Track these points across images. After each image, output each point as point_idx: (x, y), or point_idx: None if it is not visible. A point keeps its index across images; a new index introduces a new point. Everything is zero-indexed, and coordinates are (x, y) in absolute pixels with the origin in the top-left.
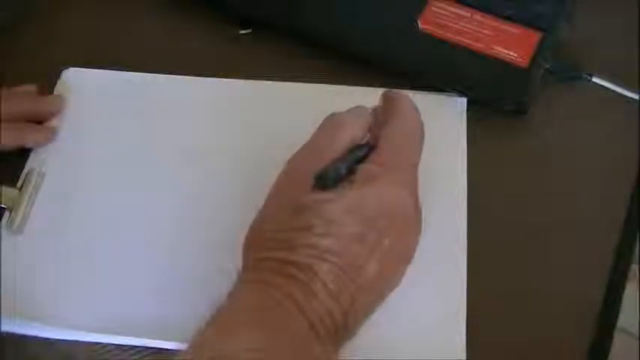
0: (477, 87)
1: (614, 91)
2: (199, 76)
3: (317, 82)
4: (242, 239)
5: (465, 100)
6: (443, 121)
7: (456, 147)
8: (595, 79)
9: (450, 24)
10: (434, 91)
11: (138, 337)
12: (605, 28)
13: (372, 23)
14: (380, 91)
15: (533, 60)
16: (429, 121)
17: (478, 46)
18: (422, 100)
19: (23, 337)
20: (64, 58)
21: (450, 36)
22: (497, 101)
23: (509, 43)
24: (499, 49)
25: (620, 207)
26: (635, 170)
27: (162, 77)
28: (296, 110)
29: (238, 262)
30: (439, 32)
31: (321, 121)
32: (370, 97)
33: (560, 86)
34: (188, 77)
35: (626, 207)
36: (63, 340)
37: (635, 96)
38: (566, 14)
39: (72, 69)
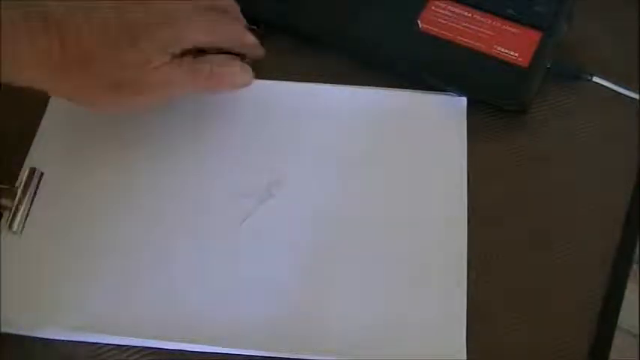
0: (477, 87)
1: (614, 91)
2: None
3: (317, 82)
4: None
5: (464, 100)
6: (443, 121)
7: (456, 147)
8: (595, 79)
9: (450, 24)
10: (434, 91)
11: (138, 337)
12: (605, 28)
13: (372, 23)
14: (381, 91)
15: (533, 60)
16: (429, 121)
17: (478, 46)
18: (422, 100)
19: (23, 337)
20: None
21: (450, 36)
22: (497, 101)
23: (509, 43)
24: (499, 49)
25: (620, 207)
26: (635, 170)
27: None
28: (295, 110)
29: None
30: (439, 32)
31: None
32: (370, 96)
33: (560, 86)
34: None
35: (626, 207)
36: (63, 340)
37: (635, 96)
38: (566, 14)
39: None
